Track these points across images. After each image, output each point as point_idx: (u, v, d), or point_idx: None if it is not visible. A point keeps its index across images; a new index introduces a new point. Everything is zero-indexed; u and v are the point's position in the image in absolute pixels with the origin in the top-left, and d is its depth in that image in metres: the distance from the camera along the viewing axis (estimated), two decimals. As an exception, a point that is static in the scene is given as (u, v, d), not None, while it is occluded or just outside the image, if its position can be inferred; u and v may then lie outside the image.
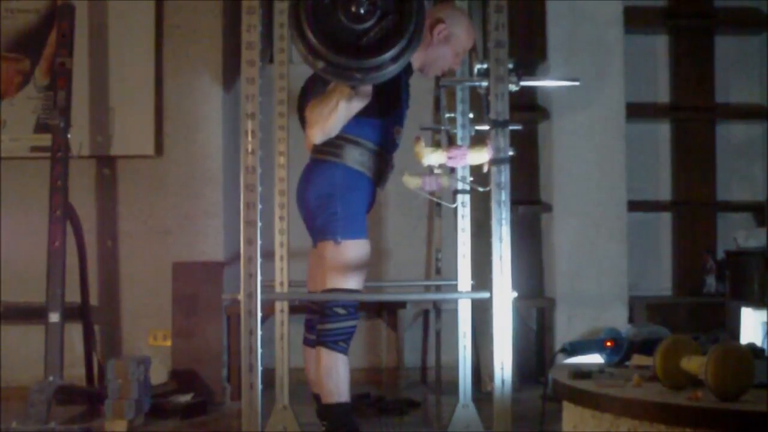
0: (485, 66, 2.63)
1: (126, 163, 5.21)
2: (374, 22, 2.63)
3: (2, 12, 5.17)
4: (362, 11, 2.60)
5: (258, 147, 2.62)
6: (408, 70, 3.18)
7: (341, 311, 3.04)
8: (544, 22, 5.21)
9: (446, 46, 3.23)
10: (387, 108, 3.09)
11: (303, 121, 3.21)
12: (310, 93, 3.14)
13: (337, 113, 2.95)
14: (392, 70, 2.68)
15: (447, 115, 4.19)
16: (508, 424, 2.53)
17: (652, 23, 5.71)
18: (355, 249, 3.09)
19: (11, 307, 4.85)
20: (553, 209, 5.19)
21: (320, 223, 3.11)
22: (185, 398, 4.55)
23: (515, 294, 2.58)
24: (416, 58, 3.17)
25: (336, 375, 3.04)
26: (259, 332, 2.56)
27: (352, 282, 3.07)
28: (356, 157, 3.09)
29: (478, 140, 3.56)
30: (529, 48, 5.34)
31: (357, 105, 2.97)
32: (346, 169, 3.09)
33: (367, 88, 2.94)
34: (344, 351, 3.06)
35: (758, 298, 4.66)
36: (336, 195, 3.08)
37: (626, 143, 5.17)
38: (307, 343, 3.38)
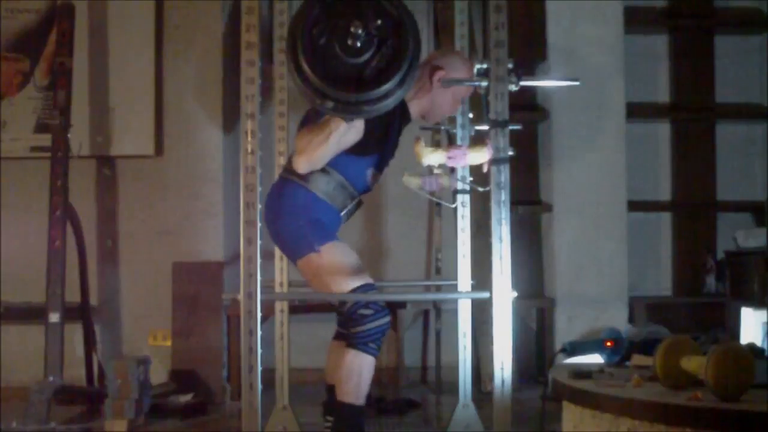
0: (485, 66, 2.63)
1: (126, 163, 5.21)
2: (373, 52, 2.59)
3: (2, 12, 5.17)
4: (359, 44, 2.57)
5: (258, 147, 2.62)
6: (405, 117, 3.13)
7: (366, 312, 2.96)
8: (544, 22, 5.21)
9: (446, 93, 3.18)
10: (368, 147, 3.04)
11: None
12: (310, 122, 3.10)
13: (327, 145, 2.91)
14: (399, 94, 2.65)
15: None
16: (508, 424, 2.54)
17: (652, 23, 5.71)
18: (339, 249, 3.05)
19: (11, 307, 4.85)
20: (553, 209, 5.19)
21: (292, 241, 3.04)
22: (185, 398, 4.55)
23: (515, 294, 2.58)
24: (416, 105, 3.16)
25: (358, 378, 3.00)
26: (259, 332, 2.57)
27: (358, 280, 3.02)
28: (322, 186, 3.03)
29: (478, 140, 3.56)
30: (529, 48, 5.34)
31: (349, 139, 2.93)
32: (309, 195, 3.03)
33: (360, 124, 2.90)
34: (374, 352, 3.00)
35: (758, 298, 4.66)
36: (300, 213, 3.02)
37: (626, 143, 5.17)
38: (336, 336, 3.32)
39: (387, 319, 2.99)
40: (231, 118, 5.19)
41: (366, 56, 2.58)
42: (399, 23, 2.61)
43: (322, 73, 2.57)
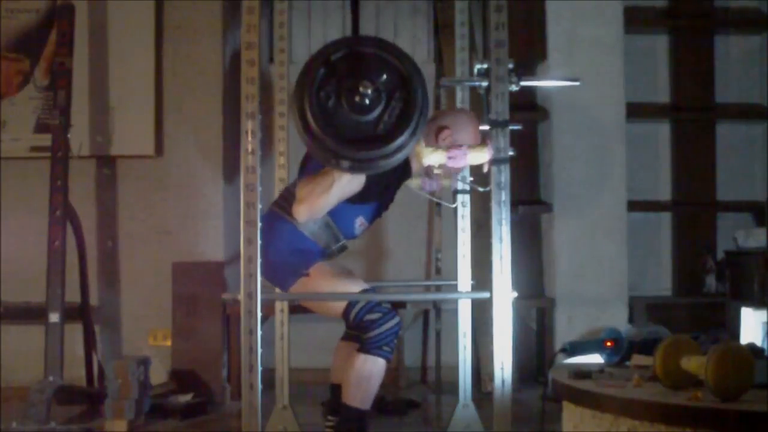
0: (485, 66, 2.63)
1: (126, 163, 5.21)
2: (383, 107, 2.59)
3: (2, 12, 5.17)
4: (368, 101, 2.56)
5: (258, 147, 2.62)
6: (406, 172, 3.11)
7: (373, 317, 2.97)
8: (544, 22, 5.21)
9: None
10: (364, 198, 3.02)
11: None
12: (309, 165, 3.09)
13: (329, 196, 2.91)
14: (412, 145, 2.65)
15: (447, 115, 4.18)
16: (508, 424, 2.53)
17: (652, 23, 5.71)
18: (328, 266, 3.06)
19: (11, 307, 4.85)
20: (553, 209, 5.19)
21: (281, 271, 3.05)
22: (185, 398, 4.55)
23: (515, 294, 2.58)
24: (418, 161, 3.12)
25: (366, 384, 3.00)
26: (259, 332, 2.56)
27: (355, 287, 3.04)
28: (309, 225, 3.04)
29: (478, 140, 3.56)
30: (529, 48, 5.34)
31: (350, 190, 2.92)
32: (296, 232, 3.03)
33: (362, 175, 2.89)
34: (388, 355, 3.00)
35: (758, 298, 4.66)
36: (286, 246, 3.03)
37: (626, 143, 5.17)
38: (344, 337, 3.33)
39: (397, 319, 3.00)
40: (231, 119, 5.19)
41: (376, 112, 2.59)
42: (404, 75, 2.60)
43: (334, 134, 2.57)
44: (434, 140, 3.09)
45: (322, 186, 2.90)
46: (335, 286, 3.01)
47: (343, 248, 3.15)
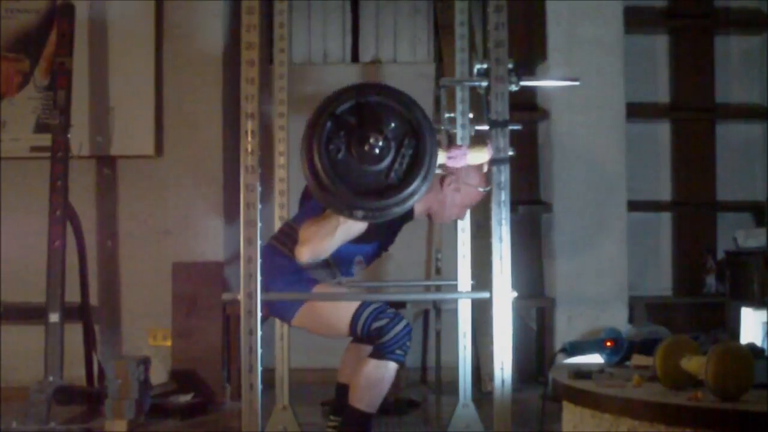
0: (485, 66, 2.63)
1: (126, 163, 5.21)
2: (394, 155, 2.57)
3: (2, 12, 5.17)
4: (377, 150, 2.55)
5: (258, 147, 2.62)
6: (407, 215, 3.07)
7: (381, 323, 2.97)
8: (544, 22, 5.21)
9: (455, 198, 3.16)
10: (365, 239, 3.02)
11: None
12: (310, 202, 3.08)
13: (333, 238, 2.90)
14: (424, 190, 2.62)
15: (447, 115, 4.19)
16: (508, 424, 2.53)
17: (652, 23, 5.71)
18: (325, 287, 3.06)
19: (11, 307, 4.85)
20: (553, 209, 5.19)
21: (280, 303, 3.06)
22: (185, 398, 4.55)
23: (515, 294, 2.58)
24: (421, 204, 3.09)
25: (376, 388, 3.00)
26: (259, 332, 2.56)
27: (356, 302, 3.05)
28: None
29: (478, 140, 3.57)
30: (529, 48, 5.34)
31: (354, 231, 2.91)
32: (294, 266, 3.03)
33: None
34: (401, 358, 3.00)
35: (758, 298, 4.66)
36: (284, 278, 3.03)
37: (626, 143, 5.17)
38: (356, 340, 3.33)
39: (405, 321, 3.00)
40: (231, 119, 5.20)
41: (387, 161, 2.57)
42: (413, 122, 2.59)
43: (346, 186, 2.56)
44: (438, 184, 3.09)
45: (326, 228, 2.89)
46: (337, 304, 3.03)
47: (339, 283, 3.17)
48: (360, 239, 3.00)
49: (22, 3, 5.17)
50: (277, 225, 3.88)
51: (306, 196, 3.24)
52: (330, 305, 3.03)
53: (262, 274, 2.58)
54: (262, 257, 2.59)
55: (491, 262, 2.55)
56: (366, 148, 2.54)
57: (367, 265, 3.22)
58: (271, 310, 3.09)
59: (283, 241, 3.09)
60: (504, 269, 2.55)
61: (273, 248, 3.09)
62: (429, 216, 3.23)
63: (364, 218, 2.63)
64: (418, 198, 2.64)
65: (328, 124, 2.55)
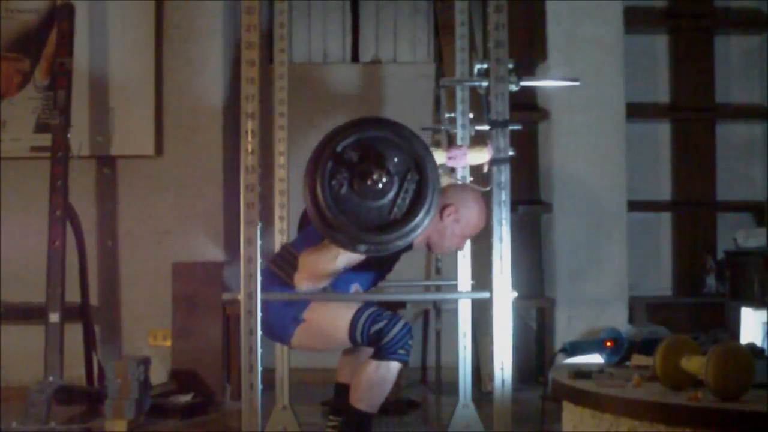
0: (485, 66, 2.63)
1: (126, 163, 5.21)
2: (397, 189, 2.58)
3: (2, 12, 5.17)
4: (380, 185, 2.55)
5: (258, 147, 2.62)
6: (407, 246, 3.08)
7: (379, 326, 2.96)
8: (544, 22, 5.21)
9: (455, 228, 3.14)
10: (364, 267, 3.02)
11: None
12: (308, 228, 3.08)
13: (334, 267, 2.90)
14: (427, 222, 2.63)
15: (447, 115, 4.20)
16: (508, 424, 2.53)
17: (652, 23, 5.71)
18: (318, 304, 3.05)
19: (11, 307, 4.85)
20: (553, 209, 5.19)
21: (278, 326, 3.04)
22: (185, 398, 4.55)
23: (515, 294, 2.58)
24: (421, 235, 3.01)
25: (378, 389, 3.00)
26: (259, 332, 2.56)
27: (352, 306, 3.03)
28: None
29: (478, 140, 3.57)
30: (529, 48, 5.34)
31: (354, 260, 2.90)
32: (290, 289, 3.03)
33: None
34: (404, 357, 2.99)
35: (758, 298, 4.66)
36: (280, 305, 3.02)
37: (626, 143, 5.17)
38: None
39: (403, 321, 3.00)
40: (231, 117, 5.19)
41: (390, 196, 2.57)
42: (415, 156, 2.59)
43: (349, 221, 2.56)
44: (438, 217, 3.07)
45: (327, 257, 2.89)
46: (333, 314, 3.02)
47: None
48: (358, 268, 2.99)
49: (22, 3, 5.18)
50: (278, 225, 3.88)
51: (305, 221, 3.23)
52: (327, 319, 3.02)
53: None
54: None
55: (491, 262, 2.55)
56: (368, 183, 2.55)
57: (360, 290, 3.19)
58: (269, 333, 3.07)
59: (281, 266, 3.07)
60: (504, 269, 2.55)
61: (270, 274, 3.05)
62: (428, 246, 3.21)
63: (366, 252, 2.64)
64: (422, 230, 2.65)
65: (330, 161, 2.56)
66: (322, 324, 3.03)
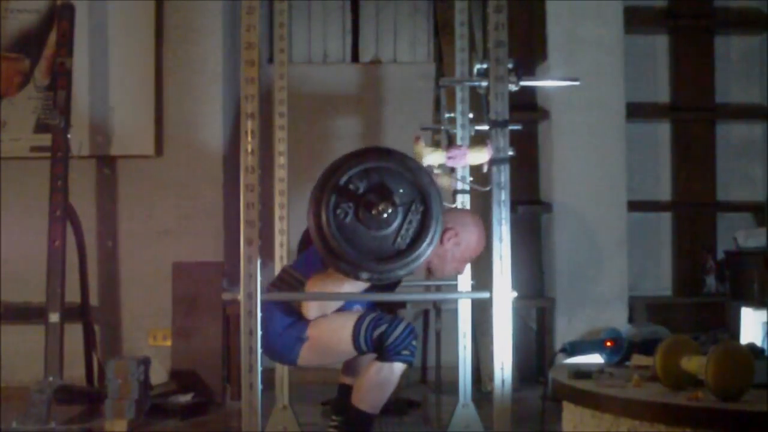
0: (485, 66, 2.63)
1: (126, 163, 5.21)
2: (401, 220, 2.60)
3: (2, 12, 5.17)
4: (385, 215, 2.57)
5: (258, 147, 2.62)
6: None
7: (381, 330, 2.98)
8: (544, 22, 5.21)
9: (455, 252, 3.16)
10: (366, 292, 3.01)
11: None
12: (308, 250, 3.07)
13: (341, 292, 2.91)
14: (430, 251, 2.66)
15: (447, 115, 4.19)
16: (508, 424, 2.53)
17: (652, 23, 5.71)
18: (319, 319, 3.05)
19: (11, 307, 4.85)
20: (553, 209, 5.19)
21: (282, 348, 3.04)
22: (185, 398, 4.55)
23: (515, 294, 2.58)
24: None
25: (381, 390, 3.00)
26: (259, 332, 2.56)
27: (354, 315, 3.04)
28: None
29: (478, 140, 3.56)
30: (529, 48, 5.34)
31: (361, 286, 2.90)
32: (292, 311, 3.04)
33: None
34: (409, 358, 3.00)
35: (758, 298, 4.66)
36: (282, 327, 3.03)
37: (626, 143, 5.17)
38: None
39: (405, 322, 3.01)
40: (231, 118, 5.20)
41: (394, 226, 2.60)
42: (420, 187, 2.61)
43: (353, 250, 2.58)
44: (438, 242, 3.08)
45: (334, 284, 2.88)
46: (335, 327, 3.02)
47: None
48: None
49: (22, 3, 5.18)
50: (278, 225, 3.88)
51: (305, 243, 3.23)
52: (329, 332, 3.02)
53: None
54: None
55: (491, 262, 2.55)
56: (374, 213, 2.57)
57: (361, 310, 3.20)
58: (274, 357, 3.10)
59: (279, 286, 3.08)
60: (504, 269, 2.55)
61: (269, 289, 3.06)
62: (429, 270, 3.23)
63: (368, 280, 2.66)
64: (424, 260, 2.68)
65: (334, 194, 2.58)
66: (325, 339, 3.03)
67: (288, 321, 3.03)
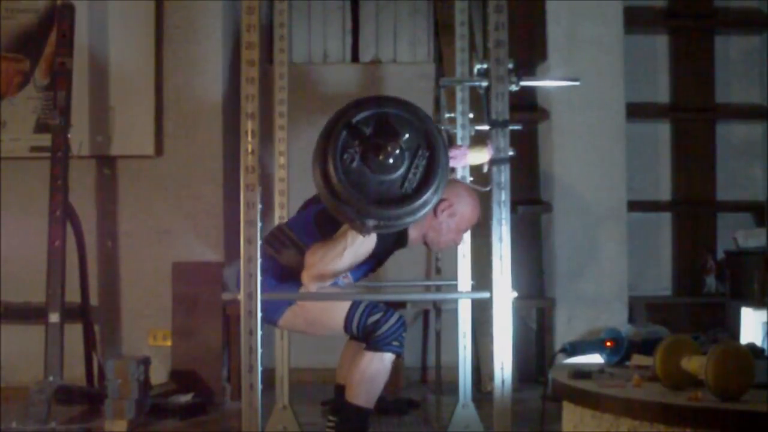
0: (485, 66, 2.63)
1: (126, 163, 5.21)
2: (408, 165, 2.59)
3: (2, 12, 5.17)
4: (392, 160, 2.56)
5: (258, 147, 2.62)
6: (400, 242, 3.10)
7: (375, 318, 2.97)
8: (544, 22, 5.21)
9: (450, 223, 3.14)
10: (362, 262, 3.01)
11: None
12: (305, 212, 3.06)
13: (341, 262, 2.88)
14: (435, 200, 2.66)
15: (447, 115, 4.19)
16: (508, 424, 2.53)
17: (652, 23, 5.71)
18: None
19: (11, 307, 4.85)
20: (553, 209, 5.19)
21: (270, 303, 2.98)
22: (185, 398, 4.55)
23: (515, 294, 2.58)
24: (415, 230, 3.11)
25: (372, 383, 3.00)
26: (259, 332, 2.56)
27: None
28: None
29: (478, 140, 3.57)
30: (529, 48, 5.34)
31: (362, 254, 2.90)
32: (282, 268, 3.02)
33: (372, 239, 2.87)
34: (398, 349, 2.99)
35: (758, 298, 4.66)
36: (272, 283, 2.99)
37: (626, 143, 5.17)
38: (353, 336, 3.32)
39: (398, 314, 3.01)
40: (231, 118, 5.19)
41: (401, 171, 2.59)
42: (427, 133, 2.60)
43: (360, 195, 2.57)
44: (433, 214, 3.06)
45: (335, 251, 2.87)
46: (330, 303, 3.02)
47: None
48: None
49: (22, 3, 5.18)
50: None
51: (305, 205, 3.23)
52: (322, 305, 3.02)
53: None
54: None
55: (491, 262, 2.55)
56: (381, 157, 2.56)
57: (353, 282, 3.19)
58: None
59: (273, 245, 3.07)
60: (504, 269, 2.55)
61: (262, 252, 3.05)
62: (426, 243, 3.22)
63: (375, 228, 2.63)
64: (430, 208, 2.66)
65: (344, 133, 2.57)
66: (316, 310, 3.02)
67: (284, 280, 3.00)
